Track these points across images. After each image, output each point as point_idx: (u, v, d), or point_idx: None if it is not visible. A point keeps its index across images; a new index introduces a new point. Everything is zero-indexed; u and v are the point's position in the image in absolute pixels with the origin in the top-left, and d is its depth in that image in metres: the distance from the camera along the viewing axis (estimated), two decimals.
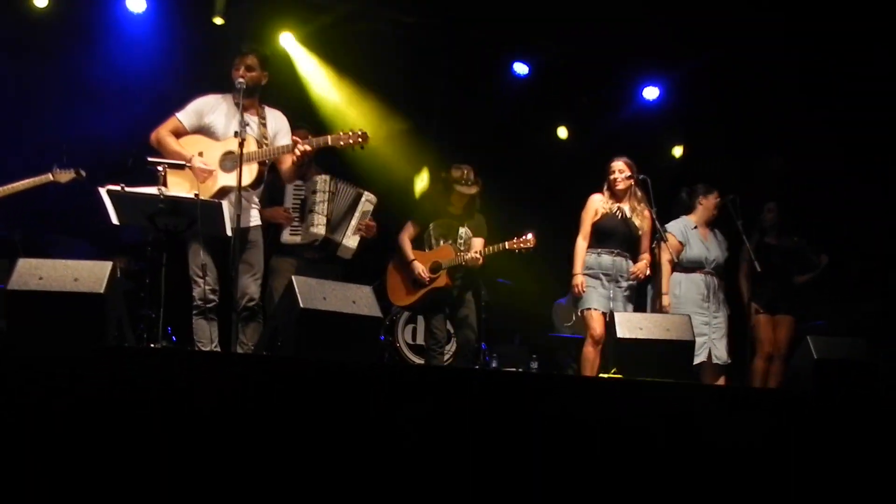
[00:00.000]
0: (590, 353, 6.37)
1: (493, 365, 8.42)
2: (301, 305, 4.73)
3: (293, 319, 4.77)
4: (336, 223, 6.27)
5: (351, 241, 6.33)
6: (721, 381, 6.75)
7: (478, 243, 6.70)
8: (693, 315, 6.59)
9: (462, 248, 6.66)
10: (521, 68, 9.11)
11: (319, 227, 6.14)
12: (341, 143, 5.40)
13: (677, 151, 9.59)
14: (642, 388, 4.83)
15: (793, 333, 7.26)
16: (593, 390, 4.71)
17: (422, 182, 8.60)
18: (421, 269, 6.62)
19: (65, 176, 5.81)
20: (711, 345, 6.76)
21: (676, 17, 8.18)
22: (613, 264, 6.40)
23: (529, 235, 6.57)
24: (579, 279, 6.37)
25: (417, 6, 8.44)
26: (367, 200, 6.39)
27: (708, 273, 6.86)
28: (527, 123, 9.16)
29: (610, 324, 5.86)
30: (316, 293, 4.86)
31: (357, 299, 5.00)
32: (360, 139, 5.38)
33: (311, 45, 8.49)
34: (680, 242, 6.82)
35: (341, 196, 6.29)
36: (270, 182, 6.08)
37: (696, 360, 6.61)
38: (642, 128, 9.18)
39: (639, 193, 6.54)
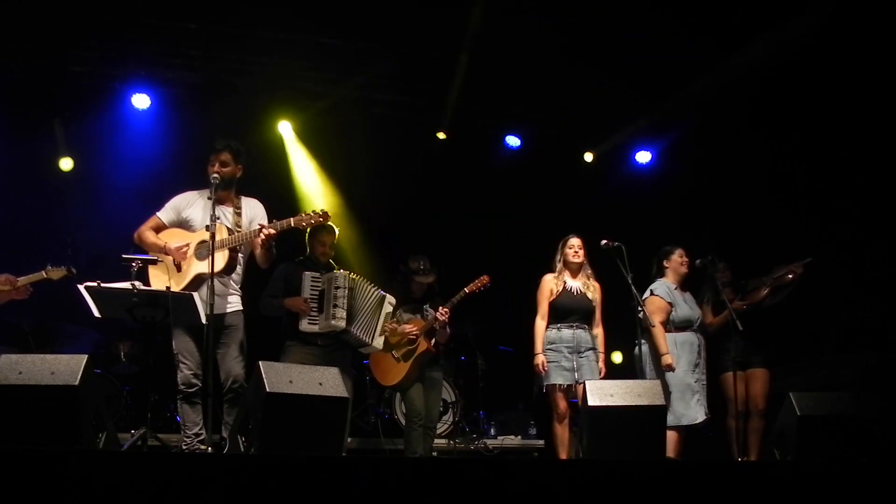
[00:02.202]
0: (557, 429, 6.62)
1: (491, 432, 8.57)
2: (267, 389, 4.94)
3: (260, 403, 4.98)
4: (360, 321, 6.50)
5: (378, 341, 6.60)
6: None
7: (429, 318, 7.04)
8: (688, 375, 6.74)
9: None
10: (513, 141, 9.37)
11: (340, 321, 6.35)
12: (303, 223, 5.70)
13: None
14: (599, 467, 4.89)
15: (768, 387, 7.22)
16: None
17: None
18: (406, 327, 6.87)
19: (57, 273, 6.10)
20: (703, 405, 6.80)
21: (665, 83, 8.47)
22: (574, 336, 6.65)
23: (483, 276, 6.94)
24: (540, 359, 6.65)
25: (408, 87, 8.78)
26: (389, 303, 6.65)
27: (695, 331, 6.94)
28: (517, 196, 9.37)
29: (582, 393, 5.98)
30: (282, 377, 5.06)
31: (324, 381, 5.20)
32: (320, 218, 5.68)
33: (305, 134, 8.88)
34: (669, 303, 6.90)
35: (360, 292, 6.53)
36: (287, 271, 6.50)
37: (699, 420, 6.68)
38: (636, 191, 9.37)
39: (589, 269, 6.84)
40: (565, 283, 6.79)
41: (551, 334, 6.68)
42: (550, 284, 6.80)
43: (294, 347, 6.49)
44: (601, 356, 6.70)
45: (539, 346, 6.67)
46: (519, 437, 8.68)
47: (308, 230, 6.38)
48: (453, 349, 8.84)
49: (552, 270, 6.87)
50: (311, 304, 6.45)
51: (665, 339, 6.73)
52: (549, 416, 6.81)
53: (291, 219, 5.66)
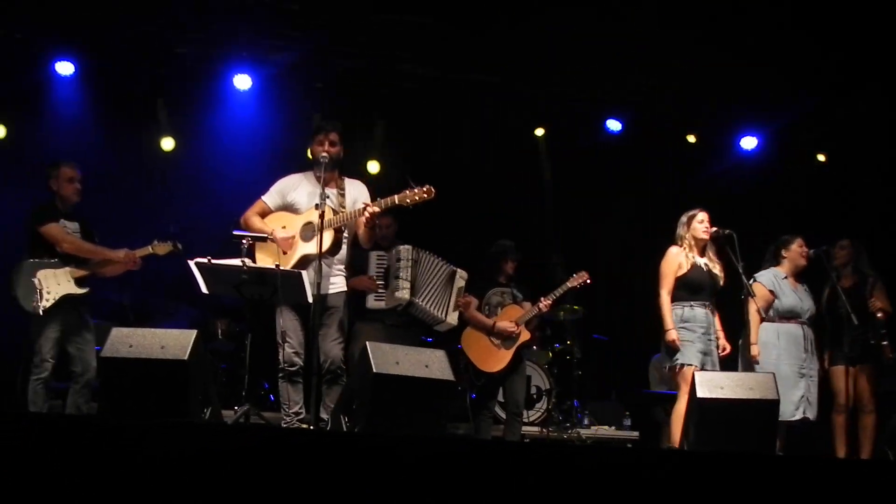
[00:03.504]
0: (682, 410, 6.11)
1: (585, 422, 8.43)
2: (374, 370, 4.92)
3: (367, 384, 4.95)
4: (427, 293, 6.45)
5: (452, 317, 6.54)
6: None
7: (528, 305, 6.96)
8: (793, 368, 6.54)
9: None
10: (614, 125, 9.17)
11: (404, 292, 6.32)
12: (408, 200, 5.50)
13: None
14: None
15: (874, 383, 6.91)
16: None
17: None
18: (507, 324, 6.82)
19: (163, 248, 6.16)
20: (806, 402, 6.59)
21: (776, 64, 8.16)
22: (706, 316, 6.28)
23: (583, 272, 6.96)
24: (674, 334, 6.20)
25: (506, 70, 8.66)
26: (461, 277, 6.59)
27: (803, 323, 6.70)
28: (618, 182, 9.19)
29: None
30: (389, 358, 5.04)
31: (430, 363, 5.16)
32: (425, 194, 5.49)
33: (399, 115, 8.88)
34: (771, 292, 6.69)
35: (426, 265, 6.49)
36: (356, 255, 6.36)
37: (794, 418, 6.49)
38: (740, 178, 9.12)
39: (713, 247, 6.46)
40: (694, 258, 6.38)
41: (684, 312, 6.25)
42: (679, 258, 6.35)
43: (361, 327, 6.50)
44: (722, 334, 6.38)
45: (670, 322, 6.22)
46: (613, 427, 8.52)
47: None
48: (549, 336, 8.75)
49: (675, 244, 6.45)
50: (378, 282, 6.47)
51: (757, 329, 6.52)
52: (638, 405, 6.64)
53: (395, 196, 5.53)
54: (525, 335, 6.88)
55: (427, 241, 6.70)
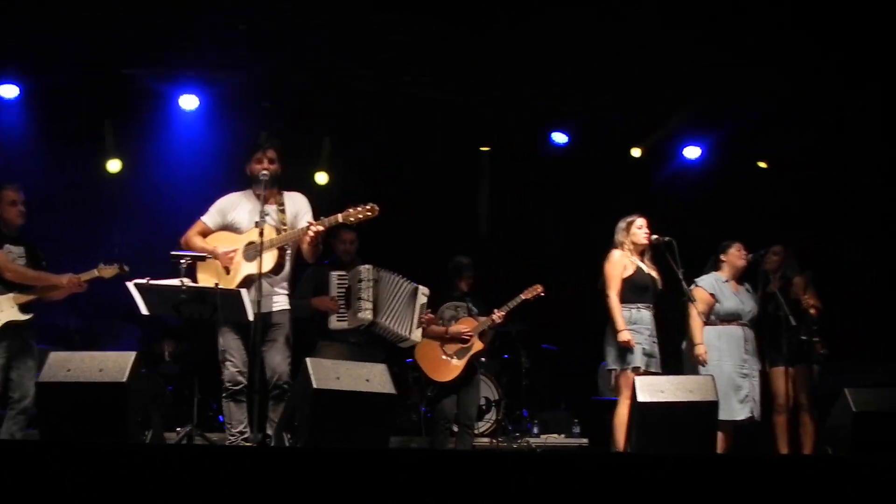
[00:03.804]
0: (625, 415, 6.20)
1: (535, 431, 8.51)
2: (314, 386, 4.95)
3: (308, 400, 4.99)
4: (390, 312, 6.50)
5: (416, 334, 6.58)
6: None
7: (482, 318, 7.06)
8: (735, 369, 6.64)
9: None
10: (560, 137, 9.27)
11: (366, 313, 6.37)
12: (351, 218, 5.56)
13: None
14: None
15: (810, 381, 7.04)
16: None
17: None
18: (462, 328, 6.92)
19: (109, 271, 6.12)
20: (752, 401, 6.70)
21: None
22: (651, 319, 6.41)
23: (537, 285, 7.05)
24: (627, 334, 6.27)
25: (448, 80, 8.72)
26: (423, 294, 6.63)
27: (744, 325, 6.80)
28: (564, 193, 9.31)
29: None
30: (329, 373, 5.07)
31: (371, 377, 5.20)
32: (368, 212, 5.55)
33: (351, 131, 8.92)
34: (711, 295, 6.78)
35: (387, 284, 6.53)
36: (315, 273, 6.48)
37: (741, 417, 6.59)
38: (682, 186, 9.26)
39: (649, 252, 6.59)
40: (636, 262, 6.49)
41: (632, 314, 6.36)
42: (624, 260, 6.46)
43: (325, 347, 6.52)
44: None
45: (622, 323, 6.28)
46: (563, 435, 8.61)
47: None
48: (497, 347, 8.82)
49: (615, 247, 6.54)
50: (339, 302, 6.49)
51: (700, 331, 6.61)
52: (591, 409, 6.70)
53: (339, 214, 5.58)
54: (478, 345, 6.95)
55: (386, 256, 6.75)
